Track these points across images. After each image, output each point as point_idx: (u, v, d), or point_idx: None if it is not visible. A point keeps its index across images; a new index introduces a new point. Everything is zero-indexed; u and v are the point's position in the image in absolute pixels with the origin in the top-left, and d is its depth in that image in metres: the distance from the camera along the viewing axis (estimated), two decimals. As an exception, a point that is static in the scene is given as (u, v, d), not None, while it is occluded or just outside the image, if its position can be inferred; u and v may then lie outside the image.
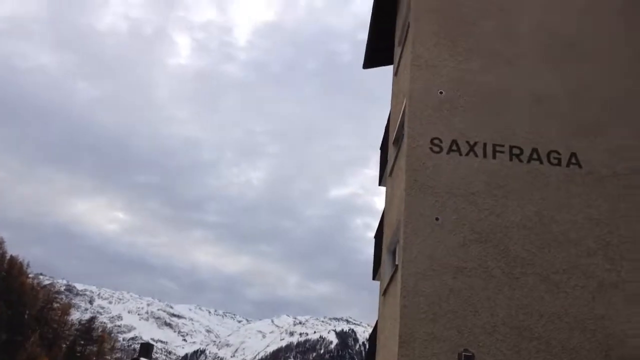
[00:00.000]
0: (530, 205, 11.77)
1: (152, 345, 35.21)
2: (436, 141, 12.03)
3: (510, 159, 12.08)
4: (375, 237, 17.52)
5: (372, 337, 15.20)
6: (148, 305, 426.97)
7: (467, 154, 12.00)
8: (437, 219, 11.70)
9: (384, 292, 13.39)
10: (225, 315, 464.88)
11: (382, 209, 17.53)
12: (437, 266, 11.40)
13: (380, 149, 17.83)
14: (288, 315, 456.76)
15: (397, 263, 11.99)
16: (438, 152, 11.99)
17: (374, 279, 17.51)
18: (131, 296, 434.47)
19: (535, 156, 12.08)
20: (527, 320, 11.06)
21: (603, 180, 11.94)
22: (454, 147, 12.02)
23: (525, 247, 11.52)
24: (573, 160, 12.03)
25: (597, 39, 12.89)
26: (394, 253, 13.78)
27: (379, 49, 17.54)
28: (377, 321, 14.80)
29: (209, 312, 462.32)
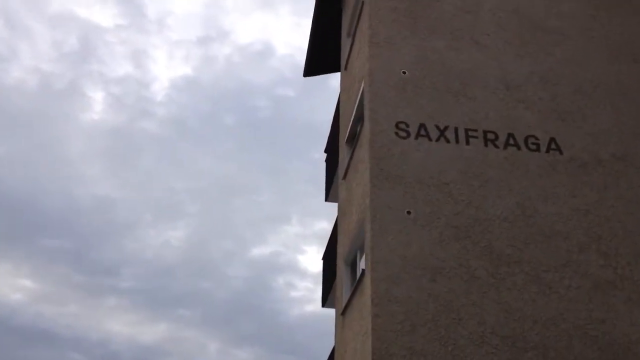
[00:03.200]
0: (511, 196, 10.24)
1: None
2: (402, 125, 10.41)
3: (486, 145, 10.59)
4: (324, 258, 15.56)
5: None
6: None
7: (437, 140, 10.42)
8: (408, 212, 9.95)
9: (344, 311, 11.36)
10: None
11: (328, 235, 15.71)
12: (411, 267, 9.57)
13: (326, 161, 16.12)
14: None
15: (362, 268, 10.07)
16: (405, 138, 10.35)
17: (323, 306, 15.46)
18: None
19: (511, 142, 10.66)
20: (520, 328, 9.32)
21: (587, 167, 10.62)
22: (423, 132, 10.43)
23: (510, 242, 9.91)
24: (553, 146, 10.68)
25: (566, 20, 11.86)
26: (353, 265, 11.84)
27: (320, 55, 16.11)
28: (332, 349, 12.67)
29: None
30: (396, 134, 10.33)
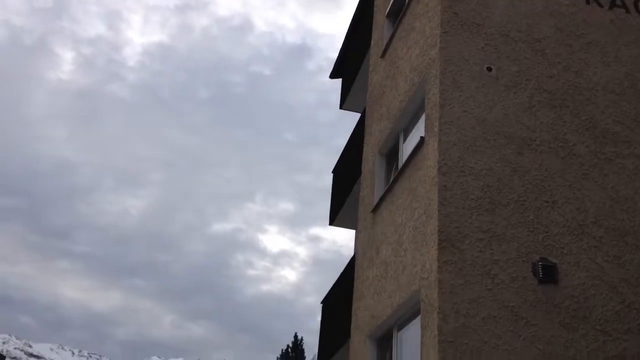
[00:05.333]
0: (618, 65, 8.01)
1: (2, 356, 28.03)
2: (486, -38, 8.04)
3: (587, 2, 8.32)
4: (335, 171, 13.27)
5: (344, 283, 10.69)
6: (4, 343, 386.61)
7: (529, -14, 8.10)
8: (489, 68, 7.63)
9: (376, 207, 9.02)
10: (91, 357, 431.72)
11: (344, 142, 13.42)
12: (492, 134, 7.26)
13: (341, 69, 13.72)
14: (159, 358, 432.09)
15: (421, 135, 7.71)
16: (489, -22, 8.00)
17: (331, 223, 13.12)
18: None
19: (619, 2, 8.42)
20: (630, 220, 7.12)
21: None
22: (511, -25, 8.09)
23: (617, 118, 7.68)
24: (667, 16, 8.47)
25: None
26: (391, 152, 9.49)
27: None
28: (352, 258, 10.33)
29: (72, 353, 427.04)
30: (479, -29, 7.96)
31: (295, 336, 33.62)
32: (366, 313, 8.77)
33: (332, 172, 13.69)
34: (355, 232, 10.21)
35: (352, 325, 9.42)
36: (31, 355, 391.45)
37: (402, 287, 7.42)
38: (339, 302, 11.49)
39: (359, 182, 10.99)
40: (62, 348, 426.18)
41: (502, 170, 7.08)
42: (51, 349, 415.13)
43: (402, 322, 7.70)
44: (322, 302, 12.61)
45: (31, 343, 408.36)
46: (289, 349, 33.40)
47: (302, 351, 33.83)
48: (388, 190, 8.70)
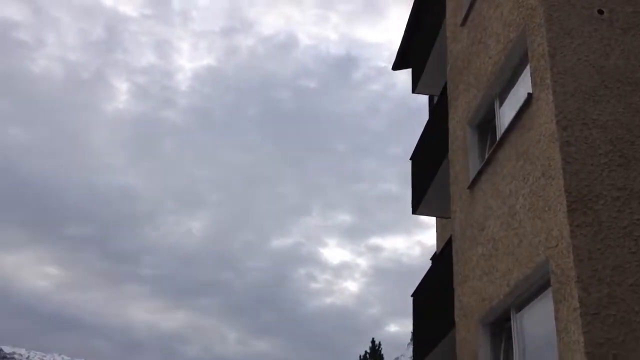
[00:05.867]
0: None
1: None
2: None
3: None
4: (413, 158, 12.57)
5: (438, 271, 9.93)
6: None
7: None
8: (599, 11, 6.80)
9: (474, 182, 8.25)
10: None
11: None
12: (613, 82, 6.42)
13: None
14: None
15: (529, 92, 6.92)
16: None
17: (414, 212, 12.37)
18: (62, 359, 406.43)
19: None
20: None
21: None
22: None
23: None
24: None
25: None
26: (486, 121, 8.71)
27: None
28: (447, 243, 9.56)
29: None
30: None
31: (373, 341, 32.68)
32: (474, 297, 7.99)
33: (410, 159, 12.96)
34: (451, 214, 9.44)
35: (457, 314, 8.64)
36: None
37: (521, 261, 6.63)
38: (433, 293, 10.73)
39: (445, 163, 10.26)
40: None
41: (632, 120, 6.23)
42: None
43: (523, 301, 6.90)
44: (412, 296, 11.85)
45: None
46: (367, 355, 32.47)
47: (382, 357, 32.86)
48: (488, 162, 7.92)
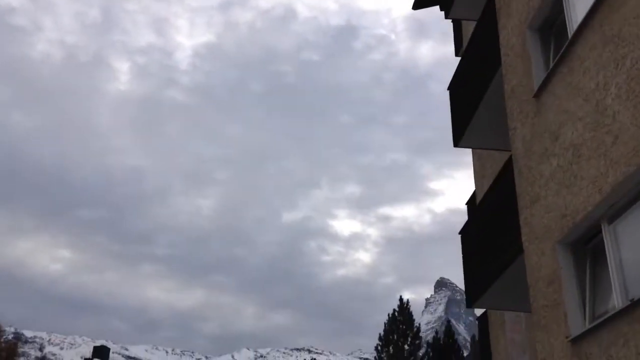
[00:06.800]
0: None
1: (107, 349, 27.92)
2: None
3: None
4: (450, 87, 11.57)
5: (491, 200, 8.99)
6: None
7: None
8: None
9: (540, 89, 7.28)
10: (184, 354, 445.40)
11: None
12: None
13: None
14: (248, 349, 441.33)
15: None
16: None
17: (456, 145, 11.44)
18: (83, 340, 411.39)
19: None
20: None
21: None
22: None
23: None
24: None
25: None
26: (543, 29, 7.69)
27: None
28: (504, 168, 8.61)
29: (166, 352, 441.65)
30: None
31: (401, 299, 31.98)
32: (549, 217, 7.07)
33: (448, 89, 11.99)
34: (509, 132, 8.47)
35: (525, 238, 7.74)
36: (128, 357, 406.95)
37: (618, 161, 5.69)
38: (487, 226, 9.85)
39: (494, 82, 9.30)
40: (156, 348, 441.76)
41: None
42: (146, 350, 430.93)
43: (618, 209, 5.99)
44: (460, 233, 10.98)
45: (127, 346, 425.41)
46: (396, 313, 31.80)
47: (411, 314, 32.16)
48: (560, 61, 6.93)
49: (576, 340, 6.39)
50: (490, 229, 9.71)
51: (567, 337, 6.55)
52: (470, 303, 10.35)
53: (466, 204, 15.19)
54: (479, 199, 12.67)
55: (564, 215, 6.73)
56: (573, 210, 6.53)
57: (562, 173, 6.79)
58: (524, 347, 10.90)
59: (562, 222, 6.77)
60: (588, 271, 6.69)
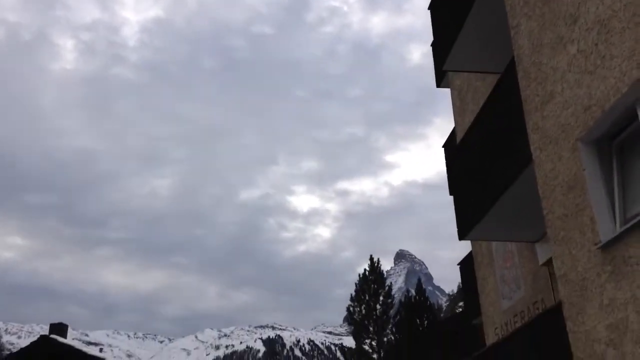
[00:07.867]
0: None
1: (66, 325, 26.50)
2: None
3: None
4: (431, 7, 10.54)
5: (492, 109, 8.07)
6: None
7: None
8: None
9: None
10: (146, 337, 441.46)
11: None
12: None
13: None
14: (212, 329, 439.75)
15: None
16: None
17: (442, 69, 10.53)
18: (41, 328, 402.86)
19: None
20: None
21: None
22: None
23: None
24: None
25: None
26: None
27: None
28: (504, 74, 7.70)
29: (128, 336, 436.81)
30: None
31: (371, 258, 31.29)
32: (567, 113, 6.19)
33: (429, 8, 11.00)
34: (510, 31, 7.53)
35: (535, 147, 6.86)
36: (89, 343, 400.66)
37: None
38: (479, 153, 8.98)
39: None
40: (118, 333, 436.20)
41: None
42: (107, 335, 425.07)
43: (661, 86, 5.11)
44: (443, 146, 10.07)
45: (87, 332, 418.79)
46: (366, 272, 31.11)
47: (382, 273, 31.54)
48: None
49: (607, 246, 5.55)
50: (483, 155, 8.84)
51: (595, 244, 5.72)
52: (463, 235, 9.50)
53: (443, 146, 14.43)
54: (459, 136, 11.83)
55: (588, 107, 5.85)
56: (600, 97, 5.65)
57: (584, 58, 5.90)
58: (517, 282, 10.17)
59: (585, 115, 5.89)
60: (615, 169, 5.85)
